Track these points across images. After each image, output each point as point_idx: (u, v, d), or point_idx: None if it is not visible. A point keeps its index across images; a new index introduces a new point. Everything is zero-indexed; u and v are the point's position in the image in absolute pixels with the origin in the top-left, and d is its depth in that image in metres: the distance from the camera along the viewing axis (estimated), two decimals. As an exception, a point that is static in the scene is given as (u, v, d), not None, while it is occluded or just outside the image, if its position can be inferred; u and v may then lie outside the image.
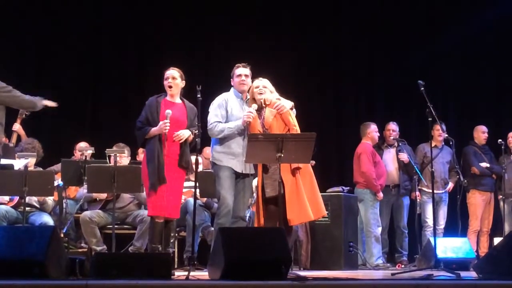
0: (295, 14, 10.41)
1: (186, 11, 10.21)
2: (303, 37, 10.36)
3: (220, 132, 6.23)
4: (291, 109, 6.29)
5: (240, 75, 6.37)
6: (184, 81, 6.39)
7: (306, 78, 10.24)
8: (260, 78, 6.36)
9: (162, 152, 6.14)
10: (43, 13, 9.93)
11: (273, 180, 6.09)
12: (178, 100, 6.38)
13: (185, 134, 6.19)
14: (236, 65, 6.45)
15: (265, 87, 6.28)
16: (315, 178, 6.39)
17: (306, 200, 6.10)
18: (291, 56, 10.17)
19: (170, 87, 6.30)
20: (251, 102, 6.31)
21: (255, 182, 6.58)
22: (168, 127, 6.09)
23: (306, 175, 6.20)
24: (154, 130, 6.13)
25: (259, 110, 6.26)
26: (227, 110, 6.31)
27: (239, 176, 6.30)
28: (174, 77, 6.32)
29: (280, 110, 6.18)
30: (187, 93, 6.49)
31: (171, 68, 6.38)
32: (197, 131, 6.05)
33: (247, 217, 7.08)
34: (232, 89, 6.44)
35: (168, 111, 6.13)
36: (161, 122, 6.10)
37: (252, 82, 6.37)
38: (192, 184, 6.46)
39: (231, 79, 6.47)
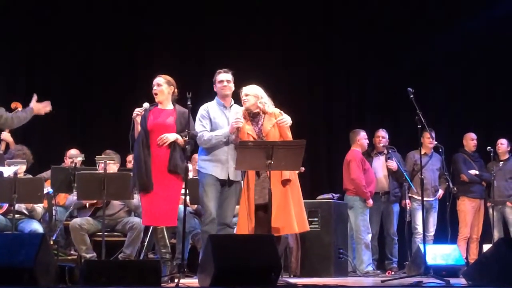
0: (285, 20, 10.42)
1: (178, 17, 10.21)
2: (293, 43, 10.37)
3: (208, 141, 6.22)
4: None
5: (222, 81, 6.39)
6: (172, 87, 6.41)
7: (296, 85, 10.25)
8: (249, 86, 6.38)
9: (149, 158, 6.16)
10: (33, 23, 9.90)
11: (262, 187, 6.09)
12: (169, 106, 6.40)
13: (169, 137, 6.19)
14: (218, 71, 6.47)
15: (247, 95, 6.29)
16: (306, 186, 6.44)
17: (293, 212, 6.12)
18: (281, 62, 10.18)
19: (155, 94, 6.37)
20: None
21: None
22: (138, 113, 6.19)
23: (294, 188, 6.22)
24: (135, 126, 6.24)
25: (254, 117, 6.27)
26: (210, 119, 6.32)
27: (225, 183, 6.29)
28: (159, 84, 6.38)
29: (282, 124, 6.20)
30: (178, 101, 6.50)
31: (157, 76, 6.43)
32: (187, 138, 6.05)
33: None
34: (216, 97, 6.45)
35: (146, 103, 6.24)
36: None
37: (242, 88, 6.35)
38: (182, 191, 6.46)
39: (214, 85, 6.47)
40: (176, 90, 6.45)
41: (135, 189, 6.40)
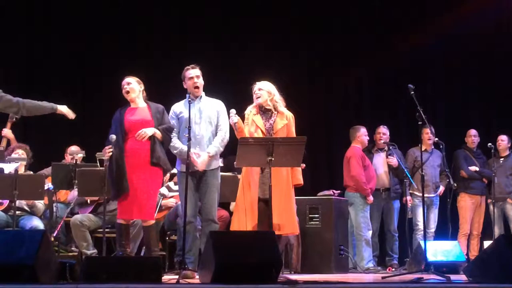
0: (285, 19, 10.40)
1: (176, 16, 10.21)
2: (292, 41, 10.36)
3: (173, 149, 6.49)
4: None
5: (192, 78, 6.49)
6: (142, 85, 6.52)
7: (295, 81, 10.23)
8: (263, 81, 6.47)
9: (122, 159, 6.21)
10: (31, 16, 9.91)
11: (262, 182, 6.13)
12: (141, 104, 6.49)
13: (147, 132, 6.26)
14: (186, 68, 6.56)
15: (260, 90, 6.35)
16: (306, 182, 6.52)
17: (295, 212, 6.18)
18: (280, 60, 10.17)
19: (127, 92, 6.44)
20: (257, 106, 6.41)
21: None
22: (109, 154, 6.24)
23: (292, 189, 6.31)
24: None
25: (265, 112, 6.31)
26: (177, 116, 6.51)
27: (199, 175, 6.36)
28: (128, 82, 6.48)
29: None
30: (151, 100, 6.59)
31: (125, 77, 6.53)
32: (187, 135, 6.06)
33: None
34: (187, 94, 6.51)
35: (112, 136, 6.26)
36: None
37: (255, 82, 6.50)
38: (175, 188, 6.50)
39: (183, 83, 6.57)
40: (144, 90, 6.56)
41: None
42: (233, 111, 6.28)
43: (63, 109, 6.43)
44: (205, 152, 6.38)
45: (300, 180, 6.39)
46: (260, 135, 6.23)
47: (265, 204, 6.04)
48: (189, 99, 6.24)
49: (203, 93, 6.57)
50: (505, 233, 8.88)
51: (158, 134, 6.30)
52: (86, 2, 10.02)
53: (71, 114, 6.48)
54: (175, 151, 6.50)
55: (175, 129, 6.49)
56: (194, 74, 6.50)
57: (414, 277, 5.85)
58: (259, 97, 6.36)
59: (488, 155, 9.23)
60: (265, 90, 6.38)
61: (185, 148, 6.18)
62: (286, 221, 6.14)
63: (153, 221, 6.45)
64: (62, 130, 9.51)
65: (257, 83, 6.46)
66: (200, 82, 6.52)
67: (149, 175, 6.28)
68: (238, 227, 6.17)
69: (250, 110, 6.42)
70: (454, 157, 9.30)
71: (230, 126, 6.39)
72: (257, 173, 6.19)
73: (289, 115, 6.42)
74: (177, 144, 6.45)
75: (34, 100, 6.40)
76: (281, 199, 6.06)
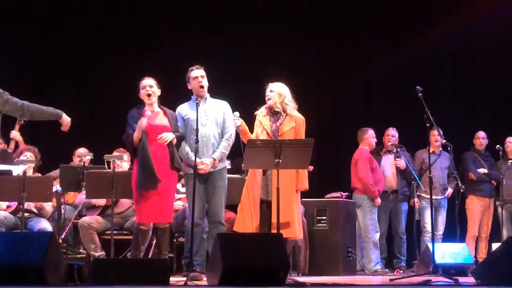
0: (290, 19, 10.41)
1: (180, 17, 10.23)
2: (300, 41, 10.36)
3: (182, 155, 6.48)
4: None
5: (196, 77, 6.49)
6: (160, 89, 6.49)
7: (303, 83, 10.23)
8: (276, 83, 6.46)
9: (149, 155, 6.18)
10: (42, 16, 9.95)
11: (264, 184, 6.13)
12: (157, 108, 6.48)
13: (168, 136, 6.26)
14: (190, 68, 6.58)
15: (271, 92, 6.34)
16: (314, 184, 6.52)
17: (296, 216, 6.16)
18: (288, 61, 10.17)
19: (149, 95, 6.40)
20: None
21: None
22: (145, 123, 6.17)
23: (298, 194, 6.29)
24: (135, 132, 6.23)
25: (274, 114, 6.31)
26: (183, 118, 6.53)
27: (206, 176, 6.35)
28: (151, 85, 6.45)
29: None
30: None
31: (146, 78, 6.49)
32: (195, 137, 6.07)
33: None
34: (192, 96, 6.57)
35: (148, 112, 6.26)
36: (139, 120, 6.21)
37: (268, 83, 6.49)
38: (183, 189, 6.51)
39: (188, 84, 6.58)
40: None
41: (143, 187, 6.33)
42: (236, 114, 6.28)
43: (65, 119, 6.34)
44: (211, 158, 6.39)
45: (305, 185, 6.31)
46: (265, 136, 6.22)
47: (267, 206, 6.05)
48: (196, 101, 6.25)
49: (207, 94, 6.58)
50: (514, 235, 8.86)
51: (175, 140, 6.33)
52: (89, 6, 10.06)
53: (66, 128, 6.38)
54: (183, 156, 6.49)
55: (180, 129, 6.50)
56: (198, 74, 6.50)
57: (422, 279, 5.84)
58: (269, 99, 6.35)
59: (496, 157, 9.22)
60: (276, 92, 6.34)
61: (192, 154, 6.19)
62: (286, 224, 6.07)
63: (168, 224, 6.46)
64: (70, 132, 9.54)
65: (269, 84, 6.42)
66: (205, 82, 6.52)
67: (169, 178, 6.29)
68: (242, 227, 6.16)
69: (261, 111, 6.41)
70: (462, 159, 9.28)
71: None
72: (259, 174, 6.19)
73: (299, 118, 6.35)
74: (185, 149, 6.46)
75: (41, 105, 6.34)
76: (282, 202, 6.03)
